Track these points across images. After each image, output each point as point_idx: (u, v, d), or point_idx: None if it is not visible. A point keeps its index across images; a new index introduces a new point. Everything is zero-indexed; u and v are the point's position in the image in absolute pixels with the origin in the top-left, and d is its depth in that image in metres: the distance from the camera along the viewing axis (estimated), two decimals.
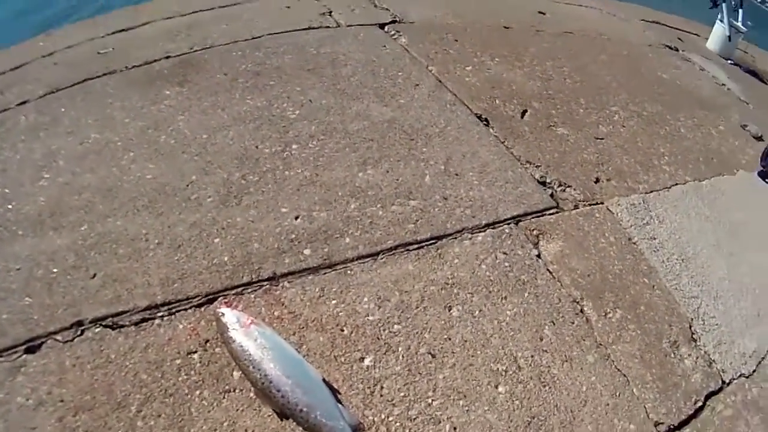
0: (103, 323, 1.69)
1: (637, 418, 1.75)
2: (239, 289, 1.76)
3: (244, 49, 3.17)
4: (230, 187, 2.14)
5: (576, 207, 2.46)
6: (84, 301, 1.72)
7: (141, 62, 2.99)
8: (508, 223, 2.22)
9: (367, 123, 2.57)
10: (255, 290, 1.76)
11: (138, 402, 1.49)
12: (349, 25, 3.77)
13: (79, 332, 1.67)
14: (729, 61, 5.78)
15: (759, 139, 3.73)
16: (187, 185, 2.13)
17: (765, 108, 4.50)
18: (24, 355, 1.60)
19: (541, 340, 1.83)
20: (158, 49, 3.15)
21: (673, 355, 2.01)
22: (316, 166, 2.28)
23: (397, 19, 3.90)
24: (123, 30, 3.52)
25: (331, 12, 3.96)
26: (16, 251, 1.86)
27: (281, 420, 1.47)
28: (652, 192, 2.74)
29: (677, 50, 5.18)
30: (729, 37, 5.74)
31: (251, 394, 1.51)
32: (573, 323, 1.93)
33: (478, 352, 1.72)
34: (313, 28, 3.53)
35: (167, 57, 3.02)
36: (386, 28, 3.71)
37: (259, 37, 3.38)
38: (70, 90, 2.78)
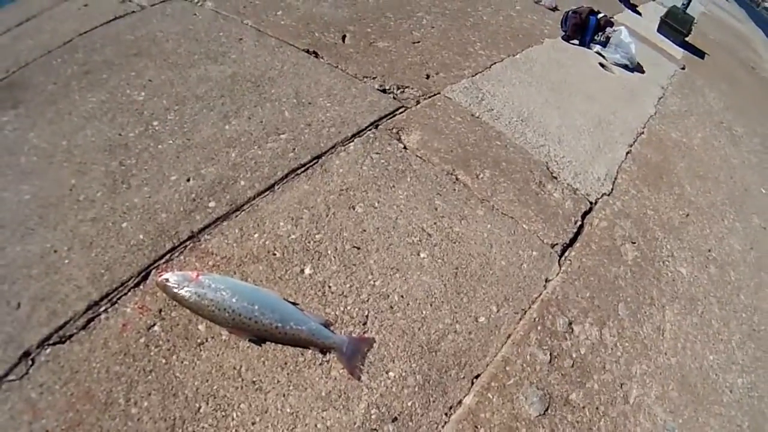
0: (50, 342, 1.70)
1: (536, 245, 2.23)
2: (167, 256, 1.87)
3: (61, 55, 3.14)
4: (114, 176, 2.20)
5: (418, 102, 2.85)
6: (21, 332, 1.73)
7: None
8: (369, 129, 2.55)
9: (211, 84, 2.73)
10: (181, 252, 1.89)
11: (123, 393, 1.56)
12: (152, 5, 3.82)
13: (30, 362, 1.66)
14: None
15: (554, 9, 4.43)
16: (70, 190, 2.16)
17: None
18: None
19: (436, 209, 2.23)
20: None
21: (543, 193, 2.52)
22: (183, 132, 2.40)
23: None
24: None
25: None
26: None
27: (260, 345, 1.68)
28: (476, 74, 3.22)
29: None
30: None
31: (224, 336, 1.67)
32: (455, 190, 2.35)
33: (392, 233, 2.07)
34: (120, 17, 3.57)
35: None
36: None
37: (71, 40, 3.37)
38: None
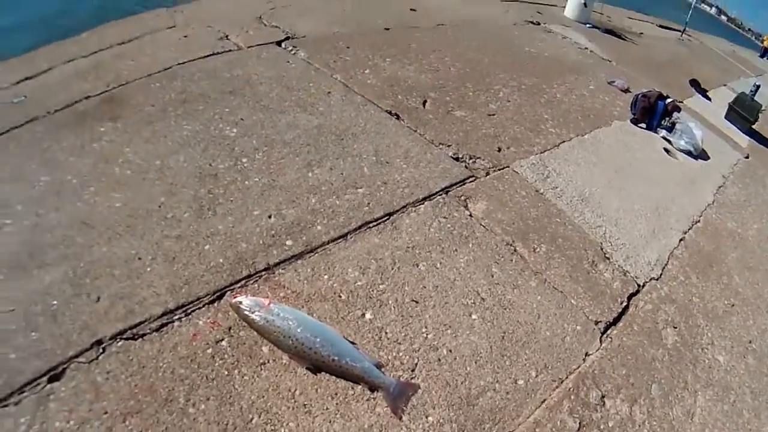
0: (123, 336, 1.88)
1: (581, 320, 2.40)
2: (242, 282, 2.10)
3: (161, 80, 3.47)
4: (201, 202, 2.47)
5: (487, 173, 3.06)
6: (97, 323, 1.91)
7: (62, 105, 3.23)
8: (440, 194, 2.78)
9: (299, 131, 3.03)
10: (256, 280, 2.12)
11: (184, 393, 1.71)
12: (249, 46, 4.17)
13: (101, 350, 1.84)
14: (588, 25, 6.68)
15: (626, 91, 4.61)
16: (159, 206, 2.43)
17: (626, 63, 5.43)
18: (48, 385, 1.74)
19: (492, 276, 2.42)
20: (74, 91, 3.36)
21: (594, 272, 2.69)
22: (270, 173, 2.68)
23: (290, 36, 4.37)
24: (28, 78, 3.72)
25: (227, 36, 4.35)
26: (3, 295, 2.01)
27: (316, 374, 1.84)
28: (545, 152, 3.41)
29: (539, 24, 6.04)
30: (584, 3, 6.65)
31: (284, 361, 1.84)
32: (512, 260, 2.55)
33: (449, 293, 2.27)
34: (218, 54, 3.92)
35: (87, 97, 3.27)
36: (283, 45, 4.18)
37: (170, 68, 3.69)
38: None
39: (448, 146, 3.21)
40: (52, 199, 2.48)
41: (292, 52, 4.11)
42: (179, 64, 3.81)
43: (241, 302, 1.92)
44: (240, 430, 1.68)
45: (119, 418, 1.67)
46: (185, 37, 4.52)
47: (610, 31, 6.73)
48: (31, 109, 3.21)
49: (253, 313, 1.90)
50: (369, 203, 2.59)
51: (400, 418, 1.82)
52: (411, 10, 5.69)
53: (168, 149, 2.84)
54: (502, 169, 3.15)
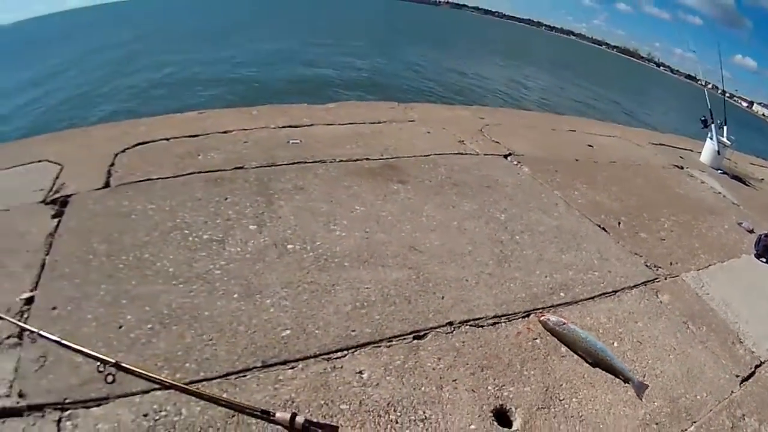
0: (468, 323, 2.90)
1: (728, 374, 3.59)
2: (540, 310, 3.19)
3: (427, 163, 4.98)
4: (498, 257, 3.67)
5: (666, 278, 4.44)
6: (446, 311, 2.95)
7: (345, 158, 4.86)
8: (641, 285, 4.07)
9: (545, 227, 4.42)
10: (547, 309, 3.24)
11: (518, 362, 2.69)
12: (485, 154, 5.79)
13: (453, 328, 2.85)
14: (719, 171, 7.91)
15: (751, 231, 5.90)
16: (469, 252, 3.65)
17: (750, 207, 6.68)
18: (414, 341, 2.71)
19: (676, 338, 4.12)
20: (345, 148, 5.04)
21: (734, 348, 4.07)
22: (536, 250, 3.98)
23: (511, 152, 5.99)
24: (292, 126, 5.68)
25: (463, 141, 6.00)
26: (356, 276, 3.19)
27: (594, 367, 2.82)
28: (700, 269, 4.76)
29: (682, 168, 7.43)
30: (718, 151, 8.00)
31: (575, 358, 2.85)
32: (686, 332, 4.02)
33: (655, 343, 4.04)
34: (463, 154, 5.55)
35: (367, 159, 4.93)
36: (509, 158, 5.84)
37: (430, 155, 5.28)
38: (288, 167, 4.65)
39: (640, 256, 4.56)
40: (373, 225, 3.79)
41: (517, 165, 5.74)
42: (437, 154, 5.38)
43: (548, 319, 3.05)
44: (554, 391, 2.63)
45: (477, 368, 2.63)
46: (428, 132, 6.25)
47: (737, 178, 7.64)
48: (310, 152, 4.96)
49: (556, 326, 3.03)
50: (602, 282, 4.04)
51: (641, 399, 2.78)
52: (588, 146, 7.35)
53: (459, 215, 4.21)
54: (675, 276, 4.47)
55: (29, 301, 2.80)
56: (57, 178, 4.05)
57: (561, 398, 2.69)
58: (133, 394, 2.35)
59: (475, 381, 2.65)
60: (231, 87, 17.13)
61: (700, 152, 8.62)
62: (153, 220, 3.61)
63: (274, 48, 26.79)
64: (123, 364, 2.45)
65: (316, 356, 2.63)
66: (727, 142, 8.25)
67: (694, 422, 2.80)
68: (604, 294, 3.80)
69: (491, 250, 3.84)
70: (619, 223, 5.12)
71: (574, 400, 2.70)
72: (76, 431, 2.21)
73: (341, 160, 4.87)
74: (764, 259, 5.40)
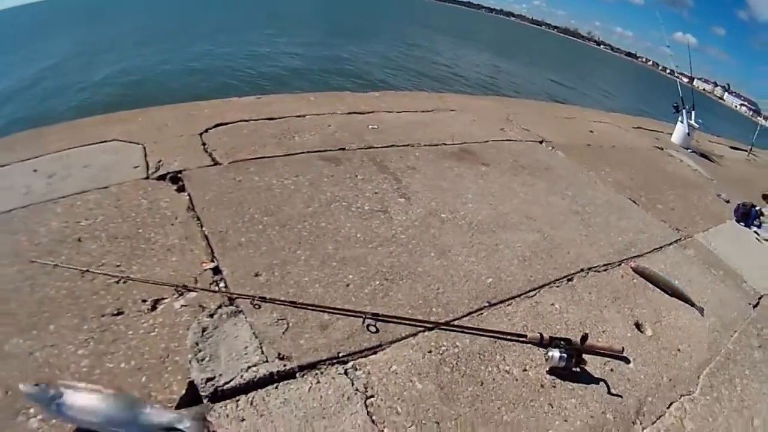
0: (592, 270, 4.07)
1: (743, 303, 5.39)
2: (625, 260, 4.43)
3: (490, 149, 6.00)
4: (583, 223, 4.66)
5: (681, 239, 5.77)
6: (574, 262, 4.06)
7: (427, 143, 5.75)
8: (675, 243, 5.40)
9: (600, 201, 5.46)
10: (631, 260, 4.58)
11: (632, 294, 3.81)
12: (525, 140, 6.74)
13: (585, 274, 3.93)
14: (689, 150, 9.24)
15: (728, 202, 7.26)
16: (563, 220, 4.69)
17: (721, 181, 8.06)
18: (568, 282, 3.78)
19: (703, 276, 5.65)
20: (422, 135, 5.99)
21: (742, 285, 5.81)
22: (604, 218, 5.01)
23: (543, 139, 6.90)
24: (357, 112, 6.45)
25: (503, 129, 6.98)
26: (505, 237, 4.17)
27: (672, 297, 3.91)
28: (704, 231, 6.14)
29: (662, 149, 8.76)
30: (688, 133, 9.36)
31: (658, 291, 4.01)
32: (708, 275, 5.78)
33: (684, 284, 5.53)
34: (511, 140, 6.44)
35: (445, 144, 5.89)
36: (543, 144, 6.82)
37: (488, 141, 6.18)
38: (386, 149, 5.32)
39: (665, 222, 5.67)
40: (490, 199, 4.69)
41: (553, 150, 6.78)
42: (493, 140, 6.33)
43: (637, 265, 4.05)
44: (659, 312, 3.71)
45: (613, 298, 3.69)
46: (474, 120, 7.11)
47: (703, 155, 8.89)
48: (390, 136, 5.76)
49: (644, 270, 4.05)
50: (651, 241, 5.14)
51: (702, 316, 4.40)
52: (590, 132, 8.56)
53: (540, 192, 5.15)
54: (690, 237, 5.65)
55: (215, 271, 2.96)
56: (146, 156, 4.20)
57: (664, 316, 3.69)
58: (404, 338, 2.77)
59: (616, 306, 3.60)
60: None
61: (670, 134, 10.00)
62: (301, 193, 4.01)
63: (210, 47, 25.85)
64: (381, 315, 2.77)
65: (519, 296, 3.43)
66: (695, 125, 9.65)
67: (736, 331, 3.84)
68: (655, 249, 4.77)
69: (577, 219, 4.81)
70: (640, 197, 6.34)
71: (671, 315, 3.73)
72: (370, 378, 2.49)
73: (426, 145, 5.64)
74: (743, 224, 6.85)
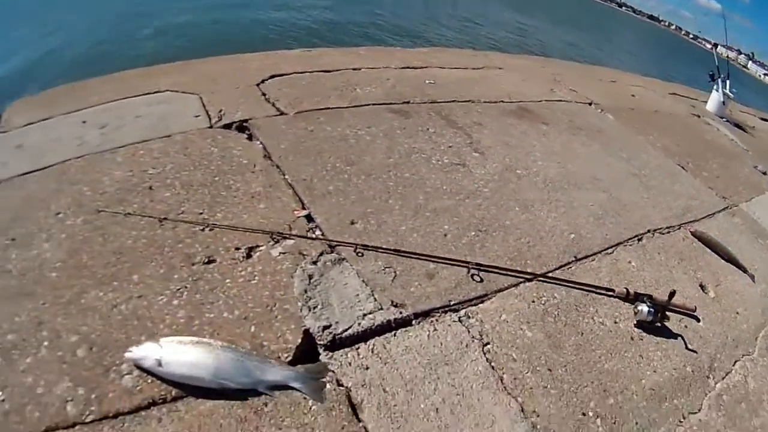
0: (657, 231, 4.27)
1: None
2: (683, 225, 4.81)
3: (546, 108, 6.11)
4: (643, 186, 4.87)
5: (729, 207, 5.89)
6: (641, 222, 4.23)
7: (486, 100, 5.81)
8: (725, 210, 5.65)
9: (653, 165, 5.70)
10: (689, 225, 4.69)
11: (694, 257, 3.99)
12: (576, 102, 6.84)
13: (652, 234, 4.15)
14: (723, 119, 9.26)
15: (765, 173, 7.59)
16: (625, 180, 5.04)
17: (756, 152, 8.14)
18: (639, 242, 3.99)
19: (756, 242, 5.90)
20: (477, 91, 6.06)
21: None
22: (658, 182, 5.12)
23: (591, 101, 6.99)
24: (410, 67, 6.45)
25: (552, 89, 7.10)
26: (577, 196, 4.35)
27: (726, 262, 4.16)
28: (748, 200, 6.30)
29: (699, 117, 8.82)
30: (723, 102, 9.36)
31: (710, 252, 4.25)
32: (756, 246, 6.03)
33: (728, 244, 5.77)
34: (562, 101, 6.57)
35: (503, 102, 5.92)
36: (592, 106, 7.02)
37: (541, 101, 6.31)
38: (449, 104, 5.44)
39: (712, 190, 5.84)
40: (556, 158, 4.89)
41: (602, 112, 6.93)
42: (546, 100, 6.39)
43: (696, 229, 4.21)
44: (717, 275, 3.91)
45: (679, 259, 3.94)
46: (524, 80, 7.23)
47: (737, 125, 8.90)
48: (448, 92, 5.83)
49: (703, 234, 4.22)
50: (704, 207, 5.30)
51: (754, 282, 4.78)
52: (632, 96, 8.62)
53: (599, 153, 5.33)
54: (736, 206, 5.80)
55: (308, 218, 2.99)
56: (204, 106, 4.17)
57: (721, 280, 3.84)
58: (507, 288, 2.91)
59: (682, 267, 3.80)
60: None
61: (704, 101, 9.91)
62: (378, 144, 4.09)
63: None
64: (484, 265, 2.90)
65: (600, 252, 3.63)
66: (731, 94, 9.57)
67: None
68: (707, 216, 4.86)
69: (636, 181, 4.95)
70: (688, 162, 6.48)
71: (727, 280, 3.90)
72: (483, 326, 2.62)
73: (485, 102, 5.74)
74: None
